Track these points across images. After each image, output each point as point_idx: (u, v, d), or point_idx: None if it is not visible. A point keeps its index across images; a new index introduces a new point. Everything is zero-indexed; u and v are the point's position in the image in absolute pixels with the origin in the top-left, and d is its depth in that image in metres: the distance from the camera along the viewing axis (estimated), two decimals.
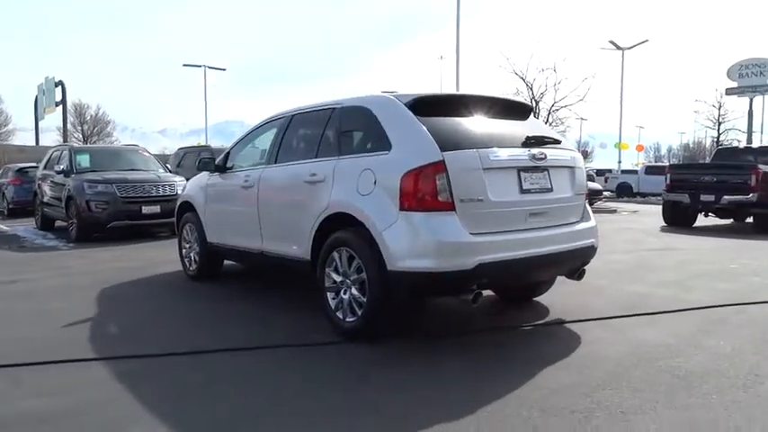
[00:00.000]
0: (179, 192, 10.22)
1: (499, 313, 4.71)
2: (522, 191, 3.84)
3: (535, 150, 3.92)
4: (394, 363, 3.55)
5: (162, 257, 7.68)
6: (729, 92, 30.90)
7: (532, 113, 4.55)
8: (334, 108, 4.45)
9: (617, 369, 3.38)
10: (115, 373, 3.39)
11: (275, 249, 4.77)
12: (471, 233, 3.54)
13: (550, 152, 4.02)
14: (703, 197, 11.94)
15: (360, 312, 3.85)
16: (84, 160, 10.71)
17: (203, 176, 6.06)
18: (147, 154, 11.81)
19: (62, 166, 10.47)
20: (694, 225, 12.63)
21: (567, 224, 4.11)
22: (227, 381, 3.29)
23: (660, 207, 13.95)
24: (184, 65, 35.43)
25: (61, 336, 4.19)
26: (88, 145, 25.92)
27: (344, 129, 4.29)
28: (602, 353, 3.67)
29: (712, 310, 4.77)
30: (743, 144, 29.43)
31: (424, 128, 3.68)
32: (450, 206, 3.53)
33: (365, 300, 3.80)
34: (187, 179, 10.70)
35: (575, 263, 4.16)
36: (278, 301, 5.20)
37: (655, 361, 3.52)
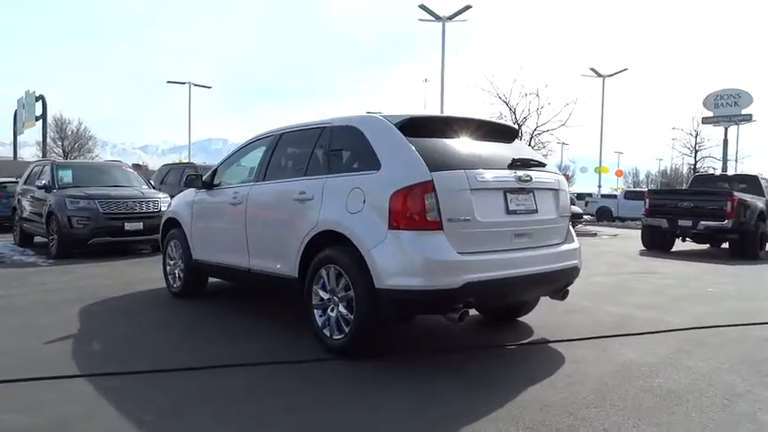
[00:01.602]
0: (163, 208, 10.18)
1: (484, 332, 4.76)
2: (509, 212, 3.92)
3: (521, 172, 4.02)
4: (382, 380, 3.57)
5: (144, 274, 7.62)
6: (705, 121, 31.67)
7: (518, 137, 4.66)
8: (323, 127, 4.52)
9: (601, 388, 3.44)
10: (99, 389, 3.36)
11: (262, 266, 4.78)
12: (459, 252, 3.60)
13: (536, 174, 4.12)
14: (681, 222, 12.20)
15: (347, 330, 3.88)
16: (66, 176, 10.61)
17: (189, 193, 6.07)
18: (130, 170, 11.75)
19: (44, 182, 10.36)
20: (672, 249, 12.87)
21: (551, 245, 4.20)
22: (215, 397, 3.28)
23: (639, 231, 14.21)
24: (168, 82, 35.39)
25: (45, 351, 4.14)
26: (70, 160, 25.64)
27: (333, 147, 4.35)
28: (585, 372, 3.73)
29: (691, 331, 4.87)
30: (718, 171, 30.14)
31: (413, 148, 3.75)
32: (438, 225, 3.59)
33: (353, 317, 3.83)
34: (171, 196, 10.75)
35: (559, 283, 4.24)
36: (262, 319, 5.19)
37: (636, 380, 3.59)
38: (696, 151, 36.65)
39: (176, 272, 6.12)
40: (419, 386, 3.47)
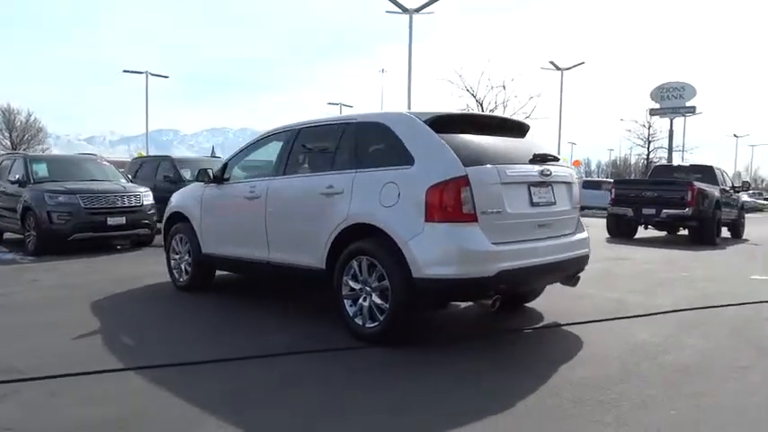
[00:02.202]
0: (145, 202, 10.09)
1: (497, 318, 5.01)
2: (532, 204, 4.19)
3: (542, 167, 4.29)
4: (411, 365, 3.77)
5: (134, 270, 7.58)
6: (653, 112, 32.98)
7: (529, 132, 4.92)
8: (347, 123, 4.67)
9: (623, 366, 3.76)
10: (155, 381, 3.45)
11: (284, 259, 4.90)
12: (492, 242, 3.84)
13: (554, 169, 4.40)
14: (645, 211, 12.86)
15: (381, 318, 4.06)
16: (40, 170, 10.33)
17: (196, 187, 6.11)
18: (107, 163, 11.52)
19: (17, 176, 10.06)
20: (635, 237, 13.55)
21: (566, 234, 4.49)
22: (269, 384, 3.43)
23: (600, 219, 14.88)
24: (125, 71, 34.36)
25: (78, 347, 4.16)
26: (44, 154, 24.64)
27: (361, 143, 4.51)
28: (603, 352, 4.05)
29: (681, 313, 5.28)
30: (663, 161, 31.48)
31: (446, 144, 3.96)
32: (473, 217, 3.82)
33: (388, 306, 4.02)
34: (151, 190, 10.62)
35: (573, 270, 4.54)
36: (280, 311, 5.32)
37: (652, 358, 3.93)
38: (649, 142, 38.20)
39: (182, 266, 6.16)
40: (448, 370, 3.68)
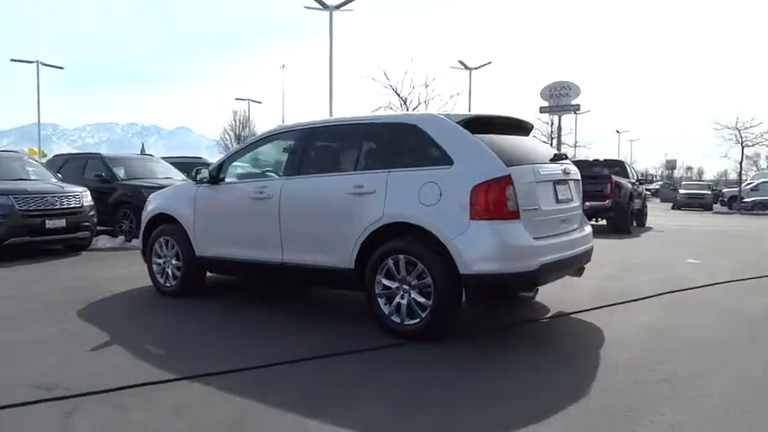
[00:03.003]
0: (85, 204, 9.43)
1: (503, 312, 5.25)
2: (558, 201, 4.48)
3: (563, 165, 4.57)
4: (457, 359, 3.89)
5: (98, 274, 7.14)
6: (542, 110, 34.07)
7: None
8: (372, 123, 4.72)
9: (651, 345, 4.14)
10: (221, 389, 3.35)
11: (302, 260, 4.86)
12: (533, 238, 4.07)
13: (569, 167, 4.70)
14: None
15: (423, 315, 4.17)
16: None
17: (186, 188, 5.87)
18: (35, 161, 10.62)
19: None
20: None
21: (577, 229, 4.82)
22: (338, 385, 3.46)
23: None
24: (13, 60, 31.39)
25: (102, 362, 3.91)
26: None
27: (391, 144, 4.57)
28: (624, 335, 4.42)
29: (662, 297, 5.80)
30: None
31: (485, 145, 4.13)
32: (515, 215, 4.03)
33: (431, 303, 4.12)
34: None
35: (584, 262, 4.88)
36: (292, 313, 5.27)
37: (670, 338, 4.35)
38: (552, 138, 40.48)
39: (169, 270, 5.88)
40: (494, 362, 3.85)
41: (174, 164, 13.24)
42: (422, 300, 4.18)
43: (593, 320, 4.85)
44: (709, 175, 79.11)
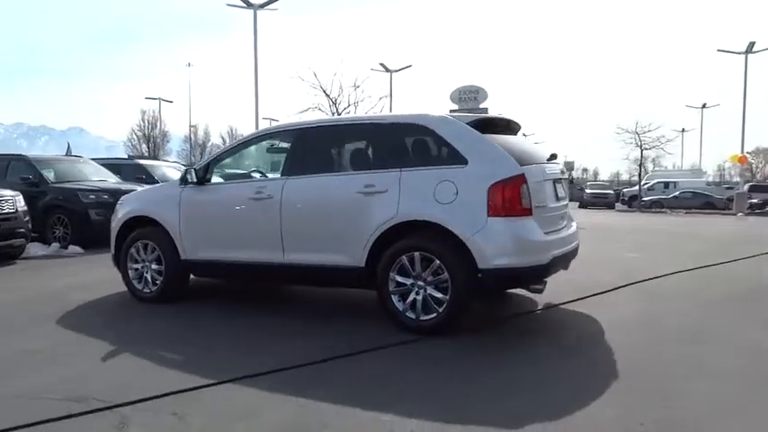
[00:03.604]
0: (19, 209, 8.75)
1: (493, 306, 5.47)
2: (557, 198, 4.76)
3: (559, 165, 4.86)
4: (468, 352, 4.04)
5: (50, 284, 6.68)
6: (452, 113, 35.47)
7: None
8: (379, 123, 4.78)
9: (649, 329, 4.54)
10: (272, 390, 3.33)
11: (306, 260, 4.84)
12: (544, 233, 4.31)
13: (562, 167, 5.01)
14: None
15: (440, 309, 4.29)
16: None
17: (168, 189, 5.68)
18: None
19: None
20: None
21: (569, 225, 5.12)
22: (381, 380, 3.53)
23: None
24: None
25: (125, 369, 3.74)
26: None
27: (401, 144, 4.67)
28: (617, 321, 4.78)
29: (632, 287, 6.26)
30: None
31: (497, 145, 4.33)
32: (529, 211, 4.26)
33: (448, 298, 4.26)
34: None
35: (573, 256, 5.19)
36: (299, 314, 5.24)
37: (660, 323, 4.76)
38: None
39: (148, 275, 5.63)
40: (512, 355, 4.05)
41: (105, 165, 12.54)
42: (439, 295, 4.31)
43: (581, 310, 5.19)
44: (604, 176, 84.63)
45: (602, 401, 3.14)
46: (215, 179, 5.47)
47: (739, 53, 30.01)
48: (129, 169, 13.53)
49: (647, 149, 31.55)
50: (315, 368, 3.72)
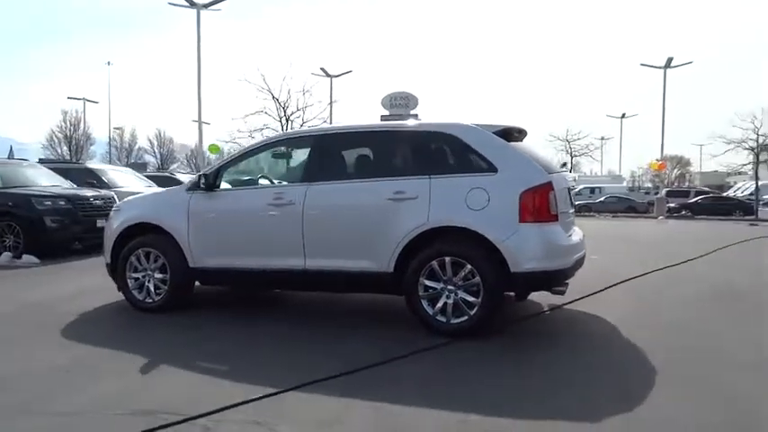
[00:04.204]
0: None
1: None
2: (571, 205, 5.02)
3: (571, 175, 5.13)
4: (494, 354, 4.18)
5: (26, 296, 6.31)
6: (383, 119, 35.19)
7: None
8: (404, 131, 4.90)
9: (656, 324, 4.88)
10: (344, 395, 3.37)
11: (329, 266, 4.85)
12: (567, 237, 4.56)
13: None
14: None
15: (472, 312, 4.43)
16: None
17: (174, 194, 5.54)
18: None
19: None
20: None
21: (577, 232, 5.38)
22: (437, 382, 3.64)
23: None
24: None
25: (177, 382, 3.64)
26: None
27: (429, 151, 4.79)
28: (623, 318, 5.08)
29: (618, 287, 6.62)
30: None
31: (524, 154, 4.53)
32: (556, 217, 4.49)
33: (480, 301, 4.40)
34: None
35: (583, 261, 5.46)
36: (305, 322, 5.22)
37: (658, 316, 5.15)
38: None
39: (150, 285, 5.44)
40: (527, 353, 4.24)
41: (53, 170, 11.85)
42: (471, 299, 4.45)
43: (585, 309, 5.47)
44: None
45: (658, 395, 3.37)
46: (229, 185, 5.38)
47: (659, 67, 32.15)
48: (78, 174, 12.85)
49: (576, 156, 33.23)
50: (368, 373, 3.76)
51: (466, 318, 4.47)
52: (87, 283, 6.79)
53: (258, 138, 24.09)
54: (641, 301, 5.94)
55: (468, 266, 4.43)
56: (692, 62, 32.97)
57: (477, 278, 4.41)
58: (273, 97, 21.76)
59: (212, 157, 24.20)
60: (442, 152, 4.84)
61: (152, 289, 5.44)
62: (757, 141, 31.20)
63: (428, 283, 4.56)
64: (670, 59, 31.77)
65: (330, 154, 5.07)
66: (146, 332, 4.87)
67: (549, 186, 4.44)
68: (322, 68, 33.49)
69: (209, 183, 5.26)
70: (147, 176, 16.58)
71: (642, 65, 32.50)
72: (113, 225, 5.68)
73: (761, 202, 25.18)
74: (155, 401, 3.26)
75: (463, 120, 4.81)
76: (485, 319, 4.45)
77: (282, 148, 5.47)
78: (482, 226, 4.42)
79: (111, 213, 5.87)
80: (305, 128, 5.10)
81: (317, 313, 5.66)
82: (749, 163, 31.41)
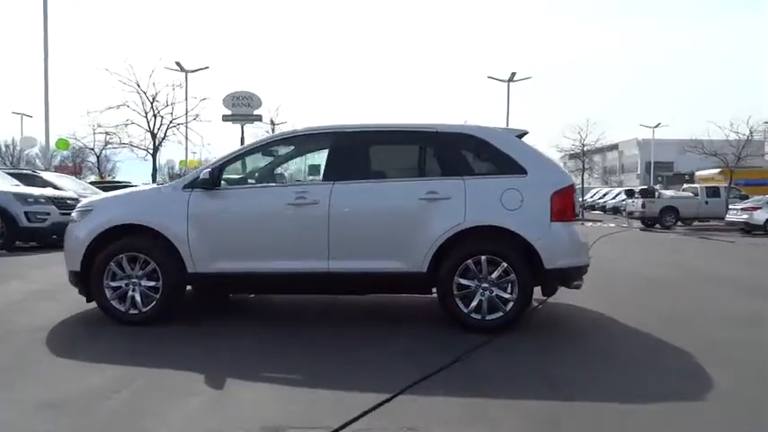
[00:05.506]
0: None
1: None
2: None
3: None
4: (534, 348, 4.39)
5: None
6: (224, 119, 33.20)
7: None
8: (430, 132, 4.92)
9: (644, 312, 5.44)
10: (443, 394, 3.33)
11: (359, 267, 4.71)
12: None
13: None
14: None
15: (507, 308, 4.61)
16: None
17: (166, 192, 4.99)
18: None
19: None
20: None
21: None
22: (495, 381, 3.69)
23: None
24: None
25: (260, 396, 3.30)
26: None
27: (458, 153, 4.87)
28: (611, 309, 5.59)
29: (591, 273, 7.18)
30: None
31: (549, 156, 4.84)
32: (576, 217, 4.84)
33: (515, 297, 4.60)
34: None
35: None
36: (337, 323, 5.01)
37: (647, 308, 5.80)
38: None
39: (136, 294, 4.82)
40: (552, 344, 4.52)
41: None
42: (506, 295, 4.62)
43: (574, 303, 5.82)
44: None
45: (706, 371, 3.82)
46: (235, 183, 5.02)
47: (503, 81, 35.09)
48: (26, 181, 12.15)
49: None
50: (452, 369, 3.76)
51: (501, 314, 4.63)
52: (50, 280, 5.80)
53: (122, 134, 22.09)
54: (632, 294, 6.54)
55: (504, 264, 4.60)
56: (531, 77, 36.37)
57: (513, 275, 4.60)
58: (139, 89, 19.98)
59: (64, 153, 21.56)
60: (472, 154, 4.96)
61: (138, 299, 4.82)
62: (582, 150, 35.23)
63: (462, 281, 4.64)
64: (513, 74, 34.77)
65: (355, 153, 4.92)
66: (158, 343, 4.32)
67: (572, 188, 4.78)
68: (177, 62, 31.53)
69: (211, 180, 4.81)
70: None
71: (489, 77, 35.15)
72: (84, 229, 4.91)
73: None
74: (269, 417, 2.95)
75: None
76: (519, 315, 4.66)
77: (292, 146, 5.17)
78: (518, 225, 4.62)
79: (75, 215, 5.09)
80: (322, 125, 4.86)
81: (339, 315, 5.50)
82: (577, 169, 35.35)
